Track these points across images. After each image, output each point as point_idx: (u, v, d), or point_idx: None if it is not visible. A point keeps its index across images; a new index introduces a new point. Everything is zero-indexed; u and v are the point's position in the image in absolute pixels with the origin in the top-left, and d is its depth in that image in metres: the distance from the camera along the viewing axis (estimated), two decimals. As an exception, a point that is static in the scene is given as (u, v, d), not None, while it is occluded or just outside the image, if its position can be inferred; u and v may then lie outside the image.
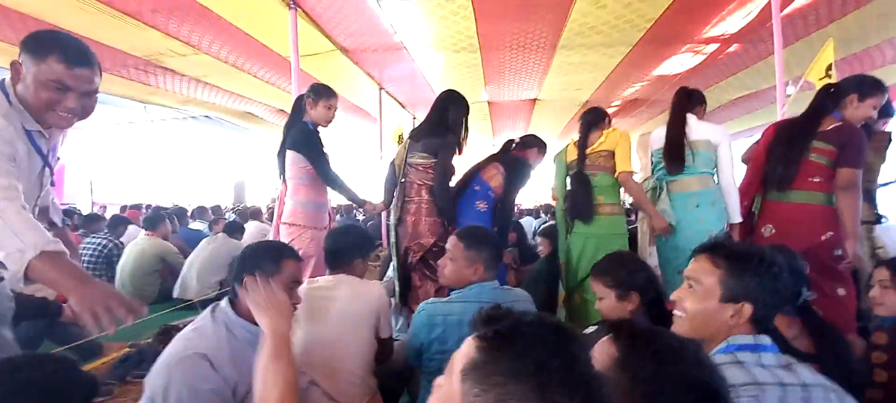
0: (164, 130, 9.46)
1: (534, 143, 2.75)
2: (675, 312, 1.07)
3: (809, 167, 2.06)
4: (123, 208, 7.53)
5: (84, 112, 1.27)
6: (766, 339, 0.96)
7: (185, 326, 2.57)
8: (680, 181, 2.28)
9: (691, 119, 2.32)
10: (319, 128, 2.61)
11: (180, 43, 4.50)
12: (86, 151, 8.67)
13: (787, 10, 3.59)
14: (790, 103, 4.07)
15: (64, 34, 1.23)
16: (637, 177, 2.45)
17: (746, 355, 0.93)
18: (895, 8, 3.58)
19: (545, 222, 6.79)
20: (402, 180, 2.45)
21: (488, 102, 7.27)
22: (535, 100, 7.07)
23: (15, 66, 1.20)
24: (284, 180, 2.59)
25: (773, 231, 2.11)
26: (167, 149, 11.45)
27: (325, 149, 2.57)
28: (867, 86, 2.12)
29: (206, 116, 8.24)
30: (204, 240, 3.68)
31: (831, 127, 2.05)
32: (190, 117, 8.28)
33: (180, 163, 12.43)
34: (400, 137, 7.01)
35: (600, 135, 2.35)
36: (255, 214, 5.75)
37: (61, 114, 1.22)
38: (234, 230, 3.88)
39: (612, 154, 2.28)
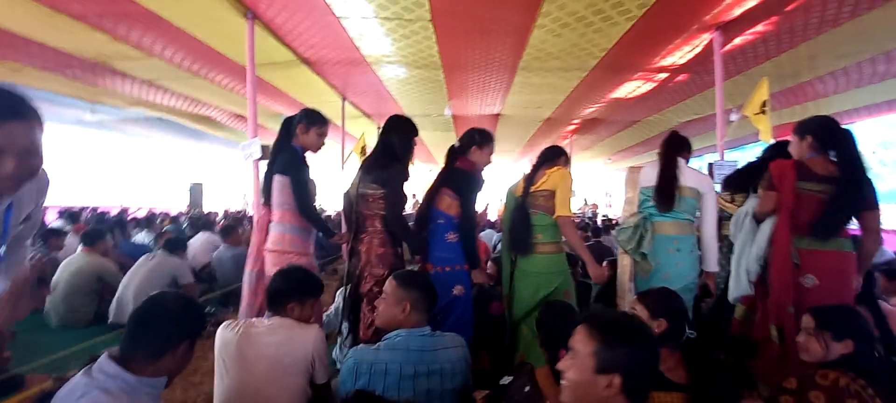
0: (114, 131, 8.99)
1: (472, 141, 2.51)
2: (562, 381, 1.11)
3: None
4: (62, 212, 7.06)
5: (29, 172, 1.02)
6: None
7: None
8: (662, 223, 2.30)
9: (681, 163, 2.35)
10: (307, 154, 2.54)
11: (130, 47, 4.31)
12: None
13: (728, 48, 3.82)
14: (732, 129, 4.34)
15: None
16: (625, 211, 2.43)
17: None
18: (822, 50, 3.88)
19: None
20: (357, 210, 2.42)
21: (453, 116, 7.34)
22: (498, 114, 7.19)
23: None
24: (268, 205, 2.50)
25: (816, 281, 2.00)
26: (117, 151, 10.87)
27: (310, 176, 2.51)
28: None
29: (159, 118, 7.90)
30: (143, 258, 3.46)
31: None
32: (141, 118, 7.91)
33: (131, 165, 11.82)
34: (362, 149, 6.96)
35: (545, 174, 2.35)
36: (206, 225, 5.53)
37: None
38: (176, 247, 3.66)
39: (552, 194, 2.29)
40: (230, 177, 13.65)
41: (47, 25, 3.83)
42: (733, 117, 4.36)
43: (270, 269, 2.43)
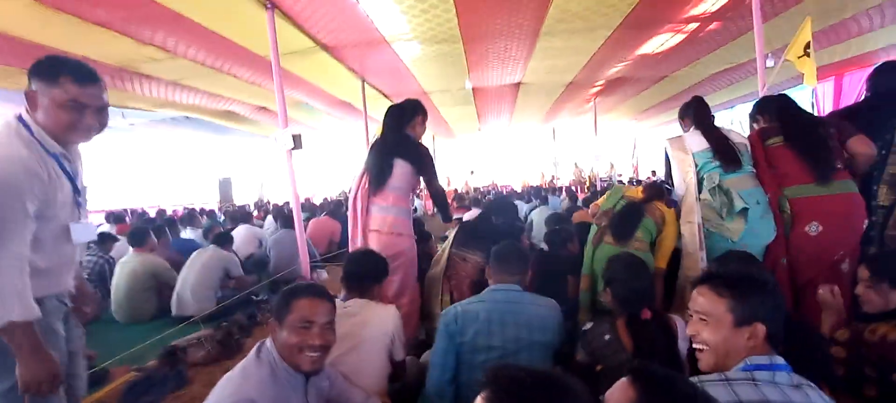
0: (144, 133, 9.25)
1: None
2: (696, 346, 1.10)
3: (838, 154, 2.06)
4: (108, 216, 7.39)
5: (101, 125, 1.35)
6: (779, 360, 1.01)
7: (188, 345, 2.60)
8: (733, 180, 2.19)
9: (722, 127, 2.33)
10: None
11: (155, 49, 4.38)
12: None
13: (766, -12, 3.62)
14: (773, 75, 4.14)
15: (70, 58, 1.31)
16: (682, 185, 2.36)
17: (762, 374, 0.97)
18: (870, -20, 3.63)
19: (535, 206, 6.85)
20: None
21: (473, 88, 7.25)
22: (519, 83, 7.06)
23: (30, 95, 1.27)
24: (377, 187, 2.54)
25: (820, 228, 2.00)
26: (148, 152, 11.21)
27: None
28: None
29: (186, 117, 8.08)
30: (194, 253, 3.61)
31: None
32: (169, 119, 8.11)
33: (162, 165, 12.19)
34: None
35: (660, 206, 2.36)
36: (244, 217, 5.69)
37: (82, 131, 1.32)
38: (224, 241, 3.82)
39: (663, 223, 2.28)
40: (256, 171, 13.95)
41: (74, 34, 3.91)
42: (769, 63, 4.15)
43: (377, 249, 2.47)
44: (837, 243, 1.99)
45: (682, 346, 1.54)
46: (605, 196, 2.54)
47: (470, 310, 1.67)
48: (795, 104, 2.30)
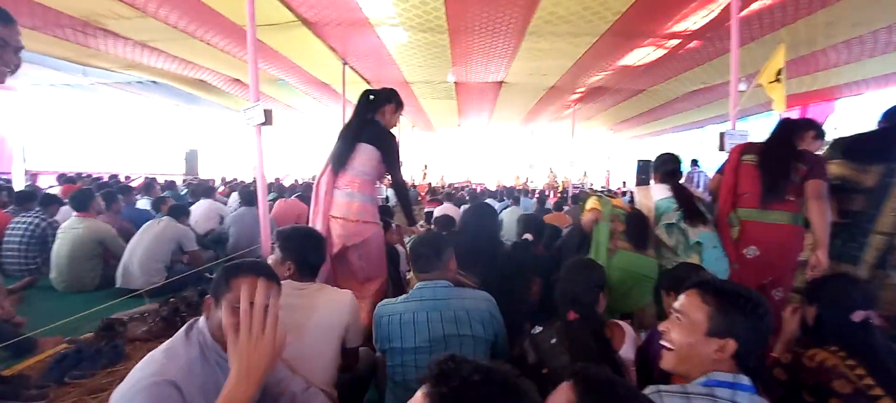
0: (107, 95, 8.75)
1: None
2: (662, 342, 1.09)
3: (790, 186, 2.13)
4: (61, 177, 6.96)
5: (17, 66, 1.45)
6: (744, 379, 0.99)
7: (130, 319, 2.45)
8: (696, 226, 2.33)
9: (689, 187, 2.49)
10: None
11: (123, 5, 4.13)
12: (18, 113, 7.87)
13: (744, 13, 3.71)
14: (744, 99, 4.27)
15: None
16: None
17: (722, 391, 0.96)
18: (841, 17, 3.78)
19: (507, 206, 6.87)
20: None
21: (456, 83, 7.19)
22: (501, 82, 7.05)
23: None
24: (338, 170, 2.45)
25: (758, 252, 2.12)
26: (110, 115, 10.62)
27: None
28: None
29: (154, 82, 7.69)
30: (148, 223, 3.40)
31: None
32: (135, 82, 7.70)
33: (125, 130, 11.58)
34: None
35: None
36: (207, 192, 5.45)
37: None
38: (180, 213, 3.61)
39: None
40: (226, 144, 13.48)
41: (35, -20, 3.65)
42: (742, 87, 4.27)
43: (338, 237, 2.42)
44: (770, 267, 2.12)
45: (628, 353, 1.55)
46: (593, 201, 2.49)
47: (394, 315, 1.63)
48: (789, 131, 2.33)
